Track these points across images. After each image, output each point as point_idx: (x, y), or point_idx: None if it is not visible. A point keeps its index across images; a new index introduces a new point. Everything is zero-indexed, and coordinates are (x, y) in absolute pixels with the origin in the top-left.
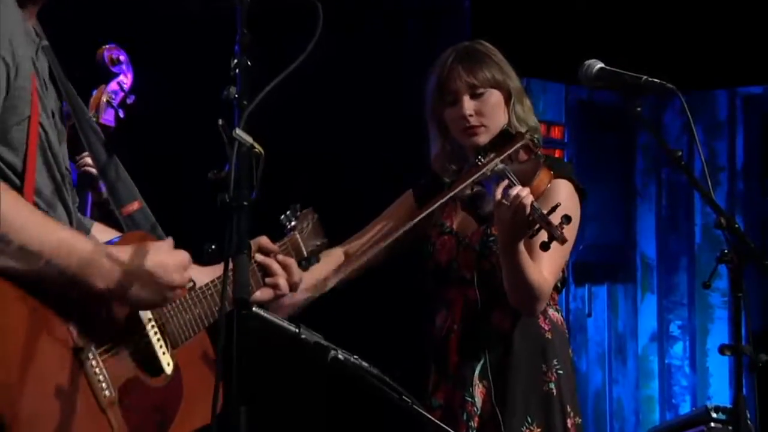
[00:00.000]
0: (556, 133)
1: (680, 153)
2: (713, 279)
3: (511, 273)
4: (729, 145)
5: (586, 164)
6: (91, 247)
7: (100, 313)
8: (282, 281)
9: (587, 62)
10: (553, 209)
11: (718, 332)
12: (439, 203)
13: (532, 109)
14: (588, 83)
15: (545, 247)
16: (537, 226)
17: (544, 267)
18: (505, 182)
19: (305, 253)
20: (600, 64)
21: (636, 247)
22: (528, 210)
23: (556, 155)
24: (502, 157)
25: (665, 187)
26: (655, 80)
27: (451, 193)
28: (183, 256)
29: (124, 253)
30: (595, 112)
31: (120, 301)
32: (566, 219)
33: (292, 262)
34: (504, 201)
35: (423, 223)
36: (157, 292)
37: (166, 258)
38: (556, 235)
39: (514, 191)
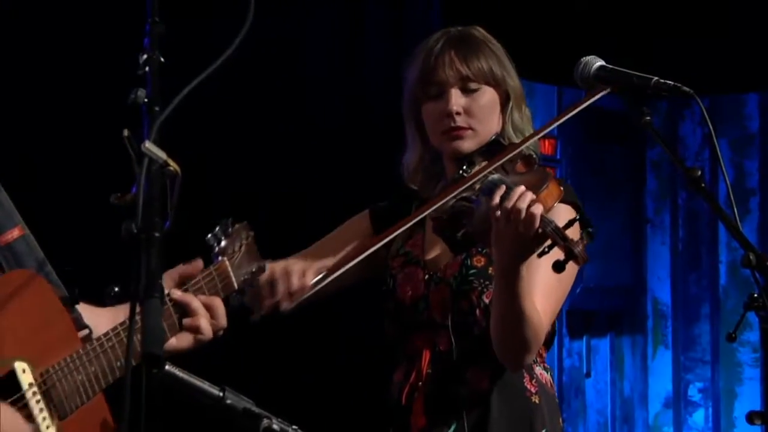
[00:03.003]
0: (545, 147)
1: (700, 173)
2: (741, 330)
3: (508, 306)
4: (761, 163)
5: (583, 186)
6: None
7: None
8: (204, 323)
9: (584, 59)
10: (571, 223)
11: (748, 396)
12: (404, 227)
13: (531, 120)
14: (585, 85)
15: (559, 267)
16: (549, 241)
17: (539, 304)
18: (503, 188)
19: (236, 284)
20: (600, 62)
21: (646, 289)
22: (538, 220)
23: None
24: (495, 166)
25: (682, 214)
26: (669, 82)
27: (425, 213)
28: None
29: None
30: (594, 121)
31: None
32: (588, 235)
33: (217, 303)
34: (506, 207)
35: (381, 251)
36: None
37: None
38: (575, 253)
39: (518, 196)
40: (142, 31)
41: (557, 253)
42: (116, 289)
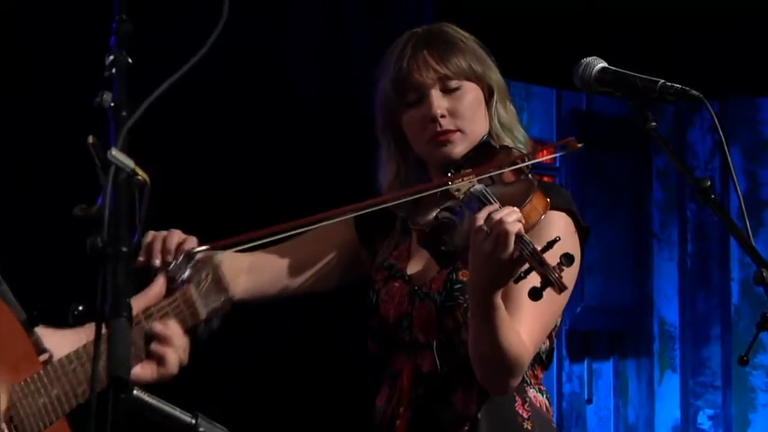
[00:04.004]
0: (544, 154)
1: (710, 183)
2: (754, 352)
3: (481, 334)
4: None
5: (584, 197)
6: None
7: None
8: (171, 353)
9: (585, 60)
10: (550, 245)
11: (762, 424)
12: (384, 203)
13: (516, 116)
14: (586, 88)
15: (536, 295)
16: (527, 266)
17: (524, 326)
18: (494, 207)
19: (203, 314)
20: (602, 63)
21: (652, 309)
22: (513, 242)
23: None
24: (482, 176)
25: (691, 228)
26: (676, 85)
27: (392, 203)
28: None
29: None
30: (596, 127)
31: None
32: (567, 259)
33: (177, 334)
34: (484, 227)
35: (366, 258)
36: None
37: None
38: (552, 279)
39: (497, 214)
40: (108, 30)
41: (535, 279)
42: (80, 308)
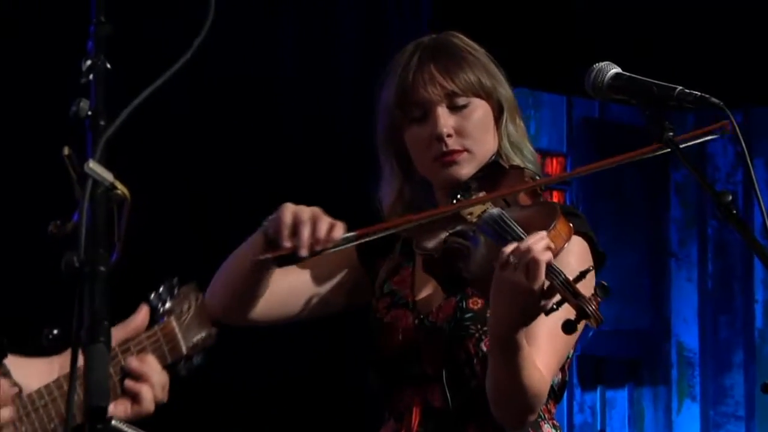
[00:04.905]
0: (554, 166)
1: (731, 197)
2: None
3: (501, 370)
4: None
5: (597, 214)
6: None
7: None
8: (146, 391)
9: (597, 66)
10: (583, 274)
11: None
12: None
13: (526, 133)
14: (599, 95)
15: (570, 329)
16: (558, 297)
17: (540, 358)
18: (506, 228)
19: (184, 349)
20: (615, 69)
21: (670, 333)
22: (543, 270)
23: (554, 200)
24: (494, 196)
25: (711, 246)
26: (695, 92)
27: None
28: None
29: None
30: (609, 137)
31: None
32: (603, 290)
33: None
34: (512, 257)
35: (368, 283)
36: None
37: None
38: (589, 312)
39: (524, 243)
40: (86, 33)
41: (567, 311)
42: (55, 332)
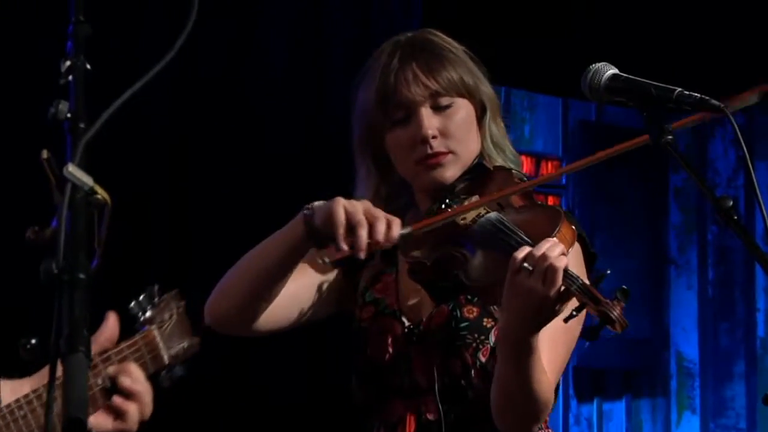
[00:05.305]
0: (548, 169)
1: (732, 202)
2: None
3: (511, 377)
4: None
5: (593, 218)
6: None
7: None
8: (134, 410)
9: (594, 67)
10: (601, 277)
11: None
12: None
13: (506, 133)
14: (596, 97)
15: (593, 336)
16: (575, 302)
17: (545, 361)
18: (511, 234)
19: (166, 358)
20: (612, 70)
21: (669, 343)
22: (561, 275)
23: (549, 204)
24: (489, 199)
25: (712, 253)
26: (695, 94)
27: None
28: None
29: None
30: (606, 140)
31: None
32: (623, 294)
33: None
34: (526, 264)
35: (350, 289)
36: None
37: None
38: (613, 317)
39: (538, 249)
40: (65, 33)
41: (582, 314)
42: (32, 341)
